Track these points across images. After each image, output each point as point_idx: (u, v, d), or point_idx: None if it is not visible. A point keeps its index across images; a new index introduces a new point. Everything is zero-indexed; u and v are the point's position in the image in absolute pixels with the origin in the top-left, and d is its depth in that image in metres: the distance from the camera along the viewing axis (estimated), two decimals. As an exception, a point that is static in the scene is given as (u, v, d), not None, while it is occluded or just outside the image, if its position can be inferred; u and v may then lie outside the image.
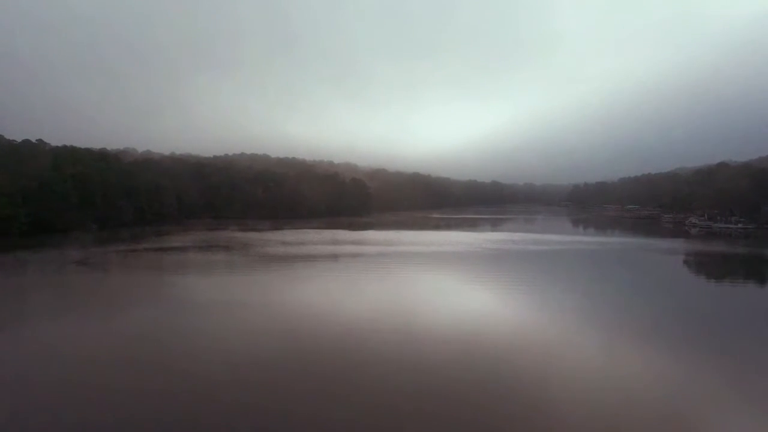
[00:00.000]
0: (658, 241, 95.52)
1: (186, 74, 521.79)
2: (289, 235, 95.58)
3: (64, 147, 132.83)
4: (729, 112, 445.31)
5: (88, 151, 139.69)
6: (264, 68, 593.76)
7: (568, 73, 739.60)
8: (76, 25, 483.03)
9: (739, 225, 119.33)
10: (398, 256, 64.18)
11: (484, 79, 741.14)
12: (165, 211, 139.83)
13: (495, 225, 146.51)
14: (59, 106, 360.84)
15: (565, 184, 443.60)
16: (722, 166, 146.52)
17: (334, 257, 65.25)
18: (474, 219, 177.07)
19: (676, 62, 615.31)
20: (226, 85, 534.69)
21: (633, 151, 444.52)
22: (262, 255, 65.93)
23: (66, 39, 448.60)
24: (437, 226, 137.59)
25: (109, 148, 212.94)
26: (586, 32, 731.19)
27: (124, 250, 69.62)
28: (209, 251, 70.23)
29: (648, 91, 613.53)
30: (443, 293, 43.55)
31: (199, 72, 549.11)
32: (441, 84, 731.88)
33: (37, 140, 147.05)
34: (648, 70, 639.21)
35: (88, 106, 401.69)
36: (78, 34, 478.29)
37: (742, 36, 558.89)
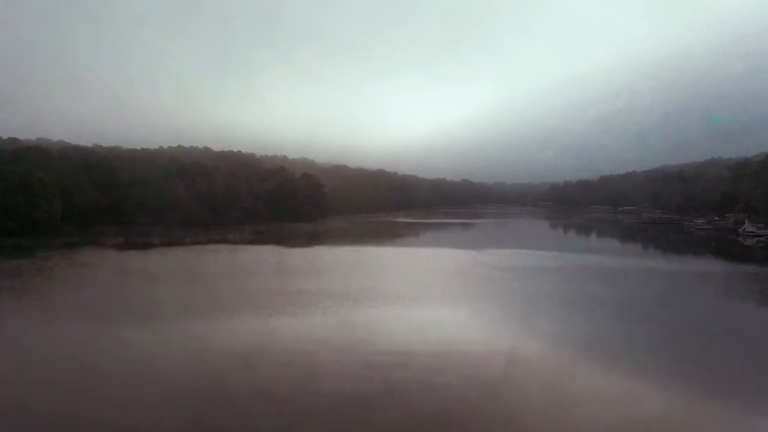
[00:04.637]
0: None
1: (112, 58, 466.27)
2: (172, 257, 60.80)
3: None
4: (724, 107, 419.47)
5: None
6: (207, 48, 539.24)
7: (545, 61, 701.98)
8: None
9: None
10: (363, 356, 29.44)
11: (454, 62, 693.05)
12: (38, 217, 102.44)
13: (486, 235, 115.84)
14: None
15: (537, 183, 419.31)
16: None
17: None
18: (449, 225, 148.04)
19: (670, 53, 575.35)
20: (163, 66, 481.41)
21: (610, 149, 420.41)
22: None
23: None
24: (410, 236, 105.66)
25: (20, 138, 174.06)
26: (570, 11, 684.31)
27: None
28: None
29: (633, 86, 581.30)
30: None
31: (132, 53, 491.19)
32: (407, 65, 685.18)
33: None
34: (636, 59, 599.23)
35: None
36: None
37: (747, 25, 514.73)
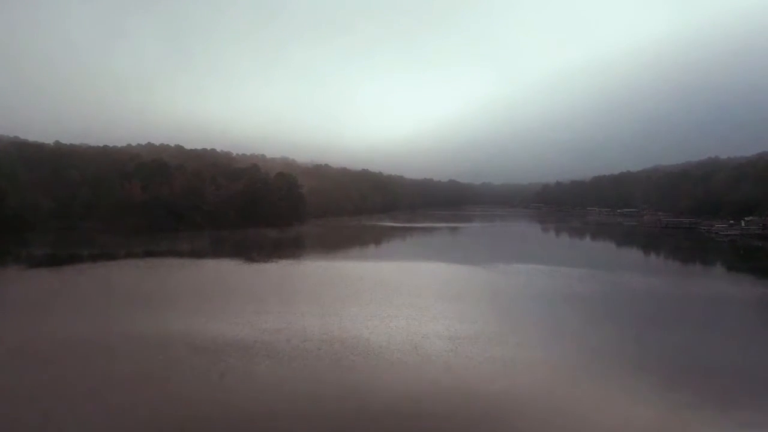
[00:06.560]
0: None
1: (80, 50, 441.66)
2: (79, 278, 45.89)
3: None
4: (721, 105, 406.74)
5: None
6: (183, 40, 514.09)
7: (537, 55, 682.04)
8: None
9: None
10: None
11: (439, 52, 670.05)
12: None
13: (485, 244, 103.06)
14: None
15: (526, 184, 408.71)
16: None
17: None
18: (439, 230, 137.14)
19: (665, 49, 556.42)
20: (132, 59, 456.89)
21: (603, 148, 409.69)
22: None
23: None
24: (396, 244, 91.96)
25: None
26: (565, 3, 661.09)
27: None
28: None
29: (627, 83, 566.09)
30: None
31: (102, 46, 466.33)
32: (387, 50, 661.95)
33: None
34: (635, 56, 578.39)
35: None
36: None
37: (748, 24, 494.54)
